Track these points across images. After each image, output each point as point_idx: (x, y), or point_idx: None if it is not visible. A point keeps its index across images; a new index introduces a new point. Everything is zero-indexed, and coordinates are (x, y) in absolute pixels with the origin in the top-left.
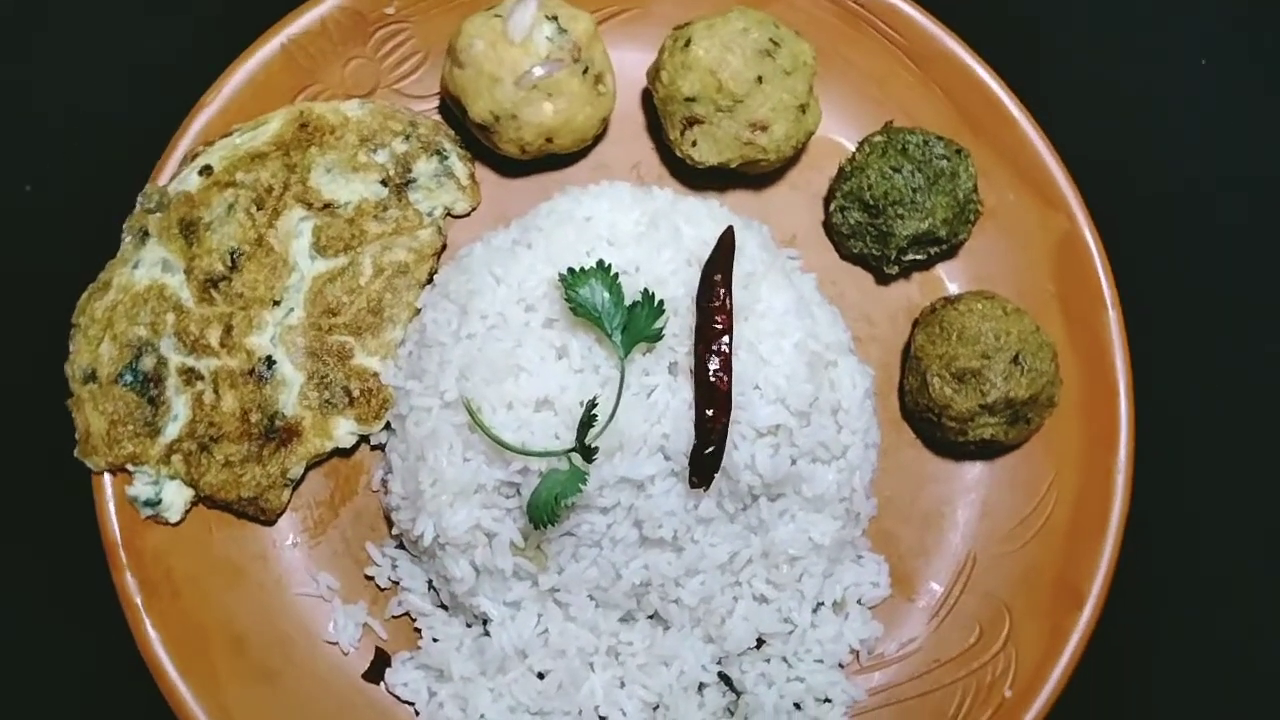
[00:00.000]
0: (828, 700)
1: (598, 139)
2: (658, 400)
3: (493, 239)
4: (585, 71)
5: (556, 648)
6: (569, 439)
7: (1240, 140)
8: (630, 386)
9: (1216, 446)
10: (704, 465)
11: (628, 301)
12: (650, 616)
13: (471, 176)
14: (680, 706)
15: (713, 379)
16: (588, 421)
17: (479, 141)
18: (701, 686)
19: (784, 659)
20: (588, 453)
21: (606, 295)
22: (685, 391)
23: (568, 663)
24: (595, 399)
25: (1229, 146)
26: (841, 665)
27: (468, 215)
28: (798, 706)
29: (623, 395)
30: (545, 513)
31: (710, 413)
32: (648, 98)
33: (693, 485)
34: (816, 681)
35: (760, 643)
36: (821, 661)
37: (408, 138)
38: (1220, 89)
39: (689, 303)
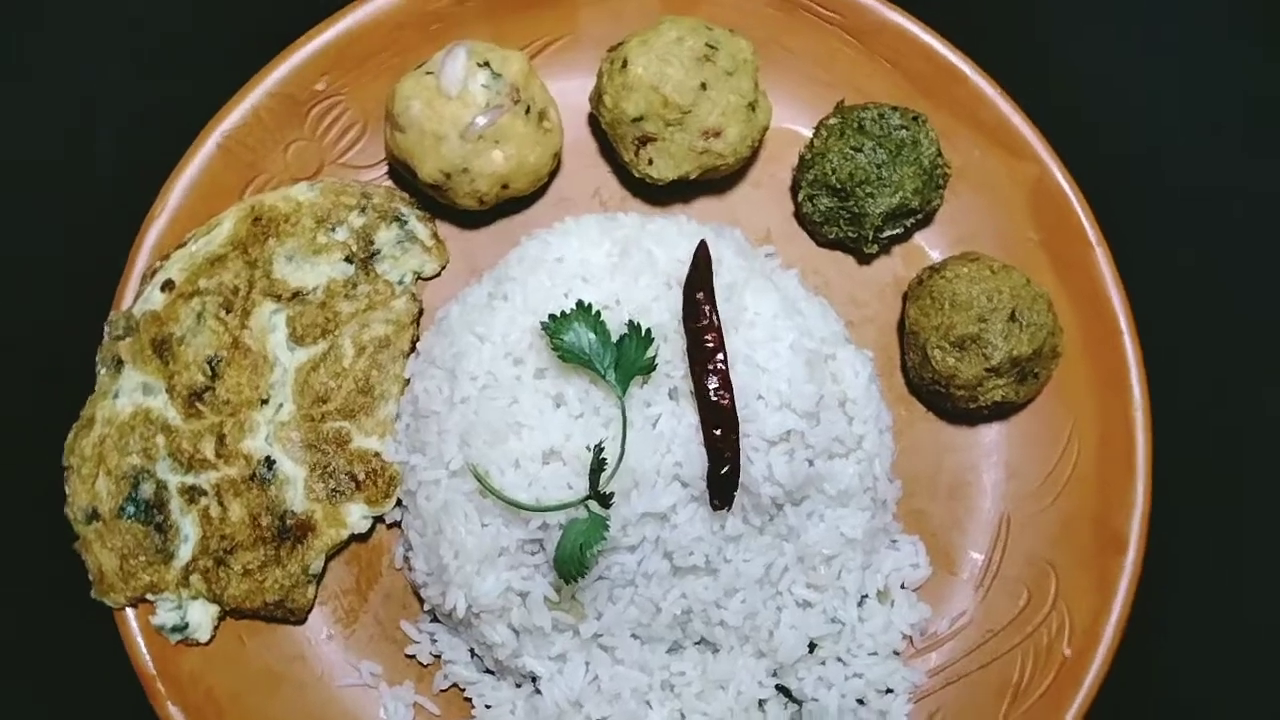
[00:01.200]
0: (889, 691)
1: (553, 174)
2: (664, 429)
3: (468, 296)
4: (528, 111)
5: (610, 693)
6: (582, 487)
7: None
8: (634, 422)
9: (1224, 380)
10: (722, 485)
11: (614, 337)
12: (698, 643)
13: (434, 236)
14: None
15: (714, 398)
16: (598, 467)
17: (435, 200)
18: (761, 703)
19: (838, 659)
20: (604, 499)
21: (592, 336)
22: (690, 415)
23: (624, 705)
24: (601, 443)
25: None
26: (897, 653)
27: (438, 275)
28: (861, 702)
29: (628, 432)
30: (574, 566)
31: (718, 432)
32: (596, 122)
33: (715, 508)
34: (875, 674)
35: (812, 647)
36: (876, 653)
37: (363, 210)
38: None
39: (676, 325)
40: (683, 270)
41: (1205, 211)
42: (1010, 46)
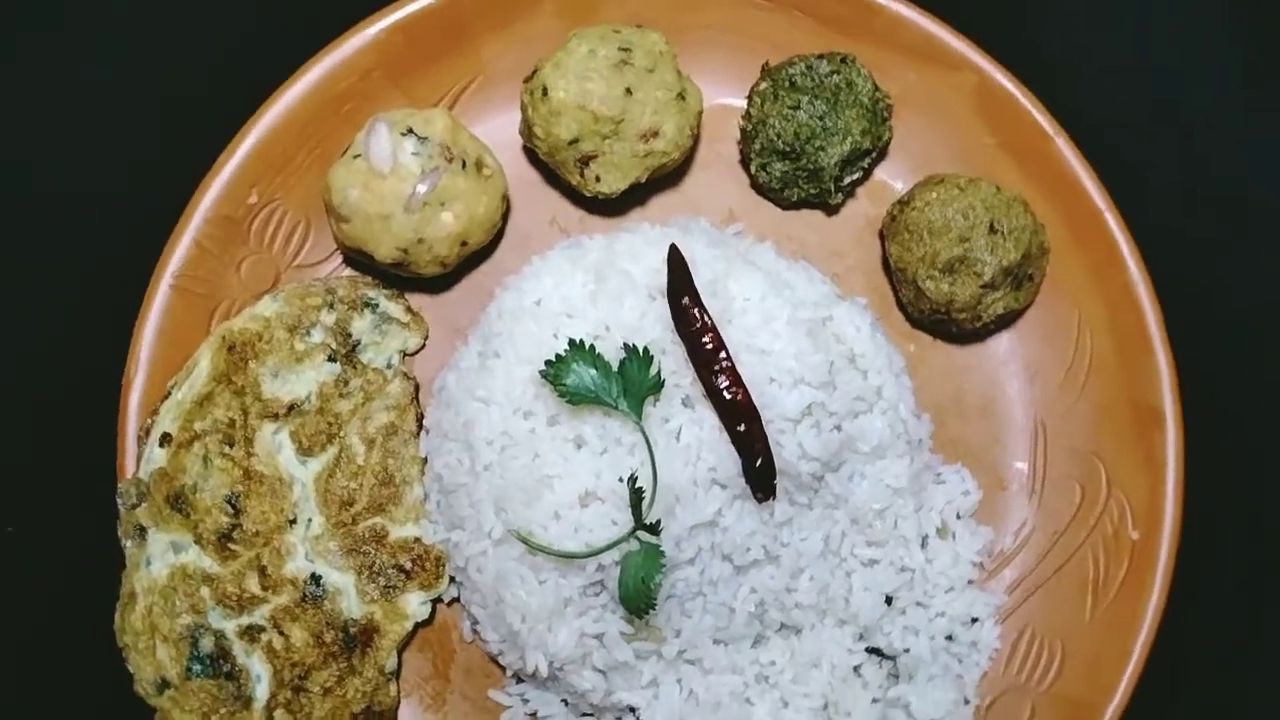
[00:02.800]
0: (975, 620)
1: (505, 216)
2: (688, 439)
3: (460, 362)
4: (464, 165)
5: (709, 703)
6: (626, 520)
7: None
8: (657, 441)
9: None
10: (761, 477)
11: (614, 364)
12: (779, 630)
13: (409, 311)
14: (847, 696)
15: (728, 396)
16: (637, 497)
17: (399, 275)
18: (856, 669)
19: (917, 604)
20: (651, 527)
21: (593, 371)
22: (709, 418)
23: (725, 710)
24: (634, 474)
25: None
26: (971, 582)
27: (423, 348)
28: (950, 639)
29: (654, 452)
30: (641, 600)
31: (742, 427)
32: (533, 153)
33: (760, 500)
34: (956, 608)
35: (889, 600)
36: (952, 589)
37: (331, 306)
38: None
39: (671, 335)
40: (661, 279)
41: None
42: None
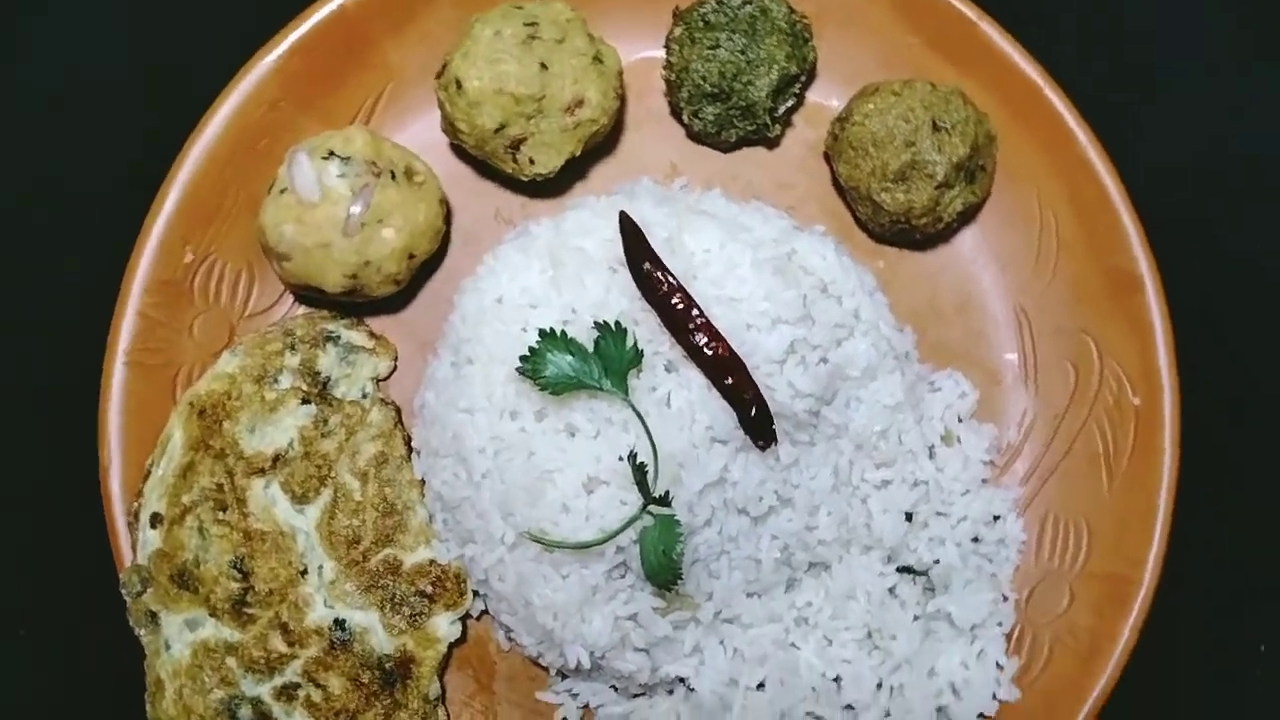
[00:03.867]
0: (996, 518)
1: (448, 219)
2: (679, 404)
3: (434, 376)
4: (394, 176)
5: (755, 656)
6: (635, 497)
7: None
8: (648, 412)
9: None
10: (758, 426)
11: (590, 346)
12: (809, 570)
13: (371, 335)
14: (887, 620)
15: (709, 352)
16: (640, 474)
17: (353, 301)
18: (892, 590)
19: (938, 514)
20: (661, 500)
21: (569, 358)
22: (696, 377)
23: (774, 660)
24: (633, 451)
25: None
26: (985, 481)
27: (395, 369)
28: (977, 540)
29: (648, 425)
30: (666, 573)
31: (729, 380)
32: (461, 149)
33: (762, 448)
34: (976, 510)
35: (909, 517)
36: (968, 491)
37: (293, 348)
38: None
39: (640, 304)
40: (617, 250)
41: None
42: None
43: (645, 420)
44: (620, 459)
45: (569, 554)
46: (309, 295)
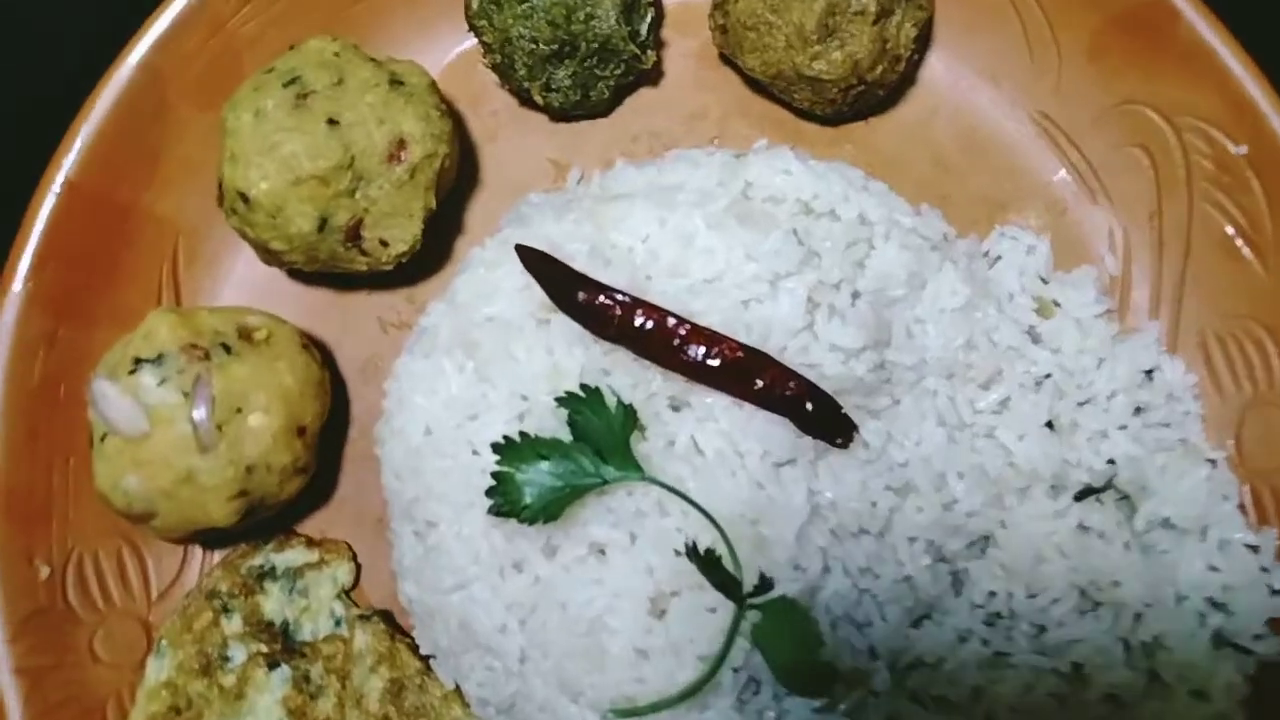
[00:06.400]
0: (1148, 372)
1: (326, 361)
2: (712, 446)
3: (402, 558)
4: (228, 348)
5: (965, 697)
6: (722, 597)
7: None
8: (681, 478)
9: None
10: (822, 421)
11: (566, 433)
12: (968, 549)
13: (310, 544)
14: (1095, 564)
15: (715, 362)
16: (713, 563)
17: (264, 514)
18: (1082, 526)
19: (1080, 405)
20: (763, 584)
21: (545, 464)
22: (715, 400)
23: (991, 692)
24: (689, 542)
25: None
26: (1117, 335)
27: (358, 570)
28: (1141, 410)
29: (689, 494)
30: (809, 667)
31: (760, 383)
32: (297, 271)
33: (843, 445)
34: (1121, 375)
35: (1050, 427)
36: (1101, 359)
37: (226, 610)
38: None
39: (601, 348)
40: (538, 294)
41: None
42: None
43: (681, 489)
44: (677, 554)
45: (680, 709)
46: (214, 535)
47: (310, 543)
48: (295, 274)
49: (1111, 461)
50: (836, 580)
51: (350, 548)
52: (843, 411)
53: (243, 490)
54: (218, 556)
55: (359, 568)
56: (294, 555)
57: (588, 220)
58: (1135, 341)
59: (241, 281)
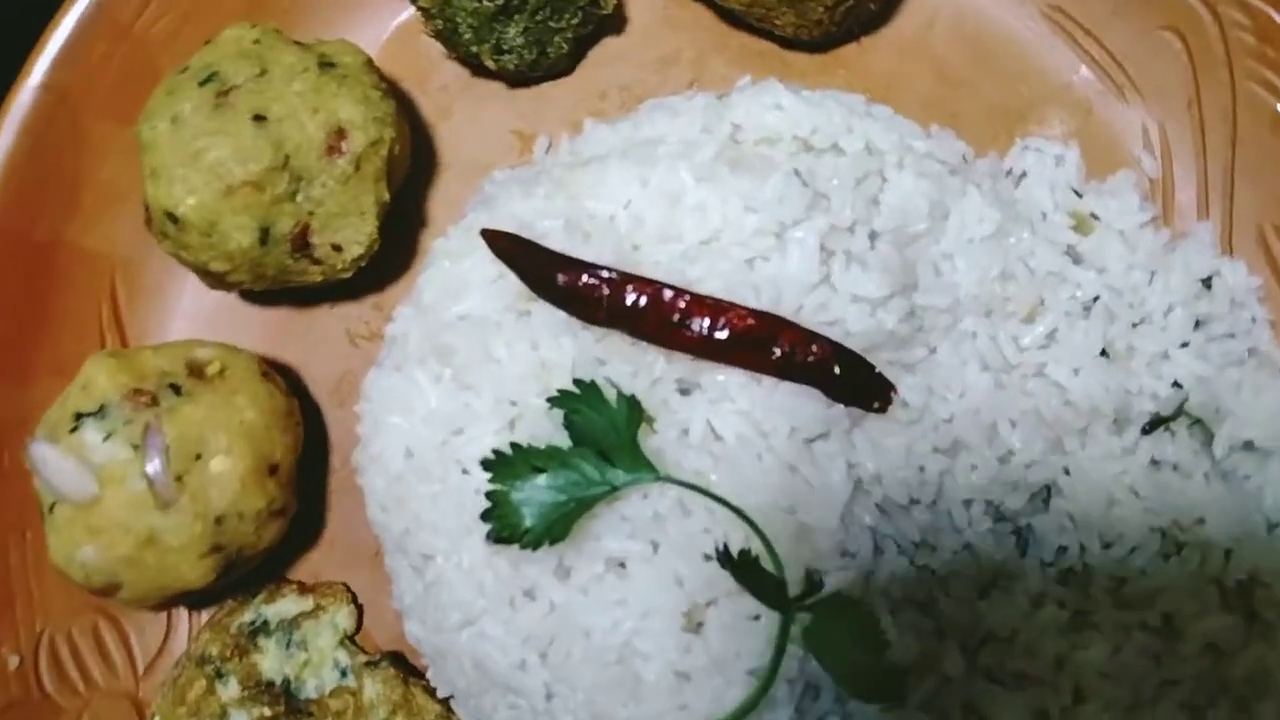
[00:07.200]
0: (1206, 280)
1: (294, 388)
2: (730, 429)
3: (403, 597)
4: (178, 388)
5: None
6: (752, 602)
7: None
8: (701, 471)
9: None
10: (853, 385)
11: (564, 438)
12: (1029, 503)
13: (303, 590)
14: (1174, 501)
15: (723, 334)
16: (749, 565)
17: (240, 567)
18: (1154, 462)
19: (1135, 325)
20: (810, 585)
21: (542, 478)
22: (728, 376)
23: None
24: (720, 545)
25: None
26: (1168, 244)
27: (361, 613)
28: (1201, 324)
29: (712, 490)
30: (873, 668)
31: (778, 351)
32: (249, 292)
33: (880, 409)
34: (1177, 286)
35: (1105, 354)
36: (1152, 271)
37: (220, 675)
38: None
39: (591, 335)
40: (515, 283)
41: None
42: None
43: (702, 483)
44: (708, 559)
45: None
46: (193, 596)
47: (303, 589)
48: (249, 295)
49: (1178, 385)
50: (890, 560)
51: (348, 589)
52: (876, 371)
53: (215, 545)
54: (205, 616)
55: (360, 609)
56: (287, 605)
57: (559, 192)
58: (1187, 247)
59: (192, 311)
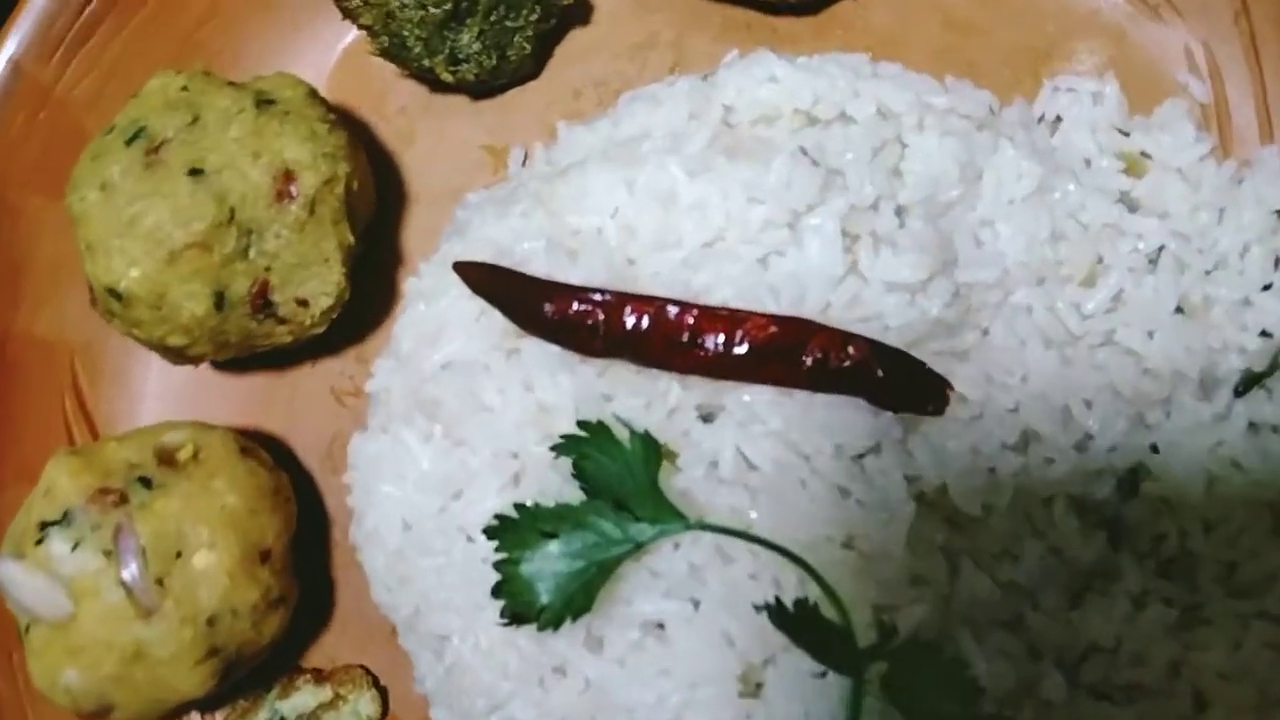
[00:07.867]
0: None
1: (285, 463)
2: (765, 455)
3: (424, 679)
4: (148, 482)
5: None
6: (806, 665)
7: None
8: (738, 509)
9: None
10: (902, 388)
11: (574, 493)
12: (1115, 491)
13: (319, 678)
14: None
15: (742, 347)
16: (808, 617)
17: (248, 659)
18: (1252, 426)
19: (1208, 273)
20: (885, 634)
21: (554, 544)
22: (755, 394)
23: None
24: (770, 600)
25: None
26: (1232, 178)
27: (384, 696)
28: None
29: (753, 528)
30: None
31: (809, 359)
32: (217, 362)
33: (935, 412)
34: (1251, 223)
35: (1180, 312)
36: (1221, 209)
37: None
38: None
39: (591, 368)
40: (500, 321)
41: None
42: None
43: (740, 524)
44: (758, 610)
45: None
46: (202, 703)
47: (319, 677)
48: (221, 363)
49: (1267, 334)
50: (969, 580)
51: (367, 672)
52: (924, 366)
53: (211, 649)
54: (219, 718)
55: (384, 692)
56: (304, 698)
57: (537, 209)
58: (1255, 177)
59: (162, 389)
